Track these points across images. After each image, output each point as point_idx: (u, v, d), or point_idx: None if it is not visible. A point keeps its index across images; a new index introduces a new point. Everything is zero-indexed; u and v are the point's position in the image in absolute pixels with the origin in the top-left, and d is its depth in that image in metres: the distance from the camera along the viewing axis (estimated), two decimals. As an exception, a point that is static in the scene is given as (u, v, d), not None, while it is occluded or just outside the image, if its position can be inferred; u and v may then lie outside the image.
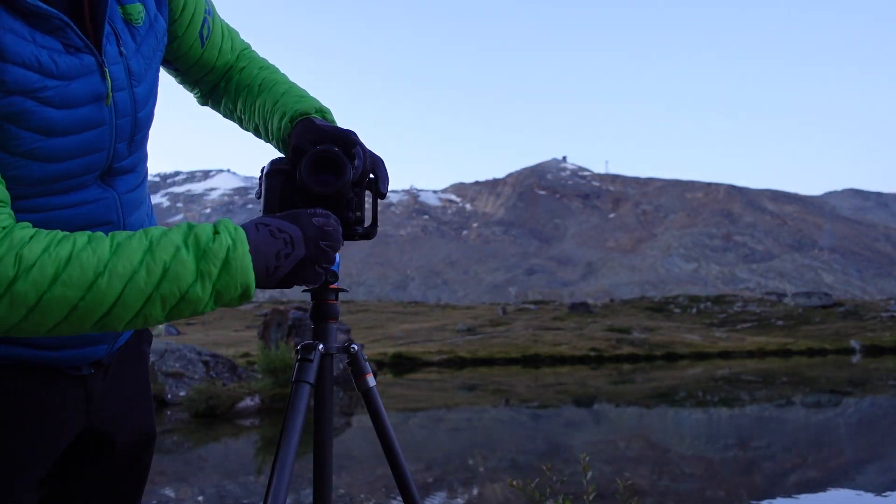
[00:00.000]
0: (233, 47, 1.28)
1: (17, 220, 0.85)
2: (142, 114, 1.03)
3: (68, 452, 1.08)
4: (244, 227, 0.91)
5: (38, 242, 0.79)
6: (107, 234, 0.84)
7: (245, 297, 0.88)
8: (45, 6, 0.85)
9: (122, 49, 0.97)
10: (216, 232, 0.86)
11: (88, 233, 0.84)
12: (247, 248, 0.87)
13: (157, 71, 1.09)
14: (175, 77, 1.30)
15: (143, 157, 1.10)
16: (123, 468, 1.16)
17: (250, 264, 0.87)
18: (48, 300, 0.77)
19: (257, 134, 1.26)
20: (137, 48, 1.01)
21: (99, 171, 0.99)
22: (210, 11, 1.20)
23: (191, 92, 1.34)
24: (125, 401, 1.16)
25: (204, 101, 1.34)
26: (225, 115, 1.32)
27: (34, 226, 0.84)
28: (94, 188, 0.99)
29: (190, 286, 0.83)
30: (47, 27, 0.87)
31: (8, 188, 0.86)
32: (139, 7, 1.01)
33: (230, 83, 1.29)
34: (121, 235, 0.84)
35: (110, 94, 0.95)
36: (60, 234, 0.82)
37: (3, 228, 0.79)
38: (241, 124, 1.30)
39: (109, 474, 1.14)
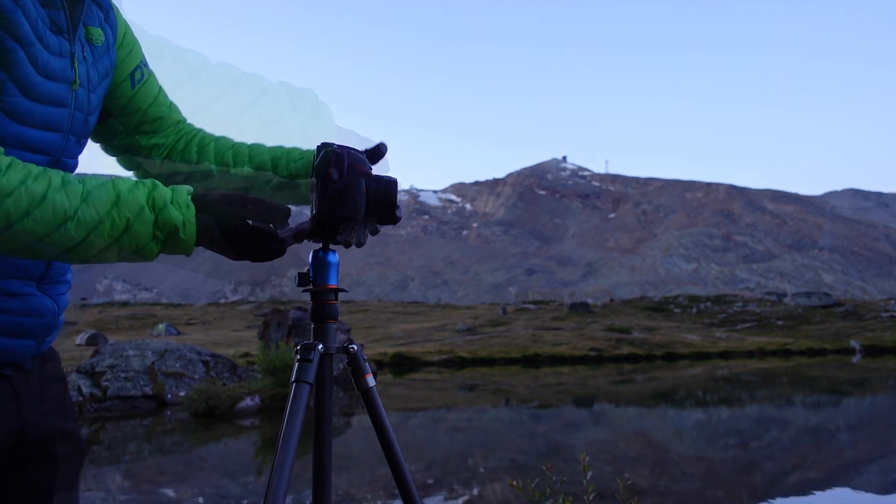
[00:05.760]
0: (170, 105, 1.30)
1: None
2: (91, 118, 1.09)
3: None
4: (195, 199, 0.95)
5: (16, 173, 0.84)
6: (79, 180, 0.89)
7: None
8: None
9: (84, 55, 1.06)
10: (173, 201, 0.92)
11: (62, 173, 0.88)
12: (194, 230, 0.93)
13: (102, 97, 1.14)
14: (97, 132, 1.25)
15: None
16: (50, 477, 1.11)
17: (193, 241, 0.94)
18: (17, 230, 0.83)
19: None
20: (95, 62, 1.09)
21: (51, 157, 1.01)
22: (146, 64, 1.25)
23: (100, 143, 1.27)
24: (54, 407, 1.13)
25: (115, 151, 1.28)
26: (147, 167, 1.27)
27: None
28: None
29: (146, 244, 0.91)
30: (46, 1, 0.94)
31: None
32: (100, 31, 1.10)
33: (191, 143, 1.28)
34: (91, 183, 0.89)
35: (77, 80, 1.02)
36: (35, 168, 0.86)
37: None
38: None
39: (39, 483, 1.10)
